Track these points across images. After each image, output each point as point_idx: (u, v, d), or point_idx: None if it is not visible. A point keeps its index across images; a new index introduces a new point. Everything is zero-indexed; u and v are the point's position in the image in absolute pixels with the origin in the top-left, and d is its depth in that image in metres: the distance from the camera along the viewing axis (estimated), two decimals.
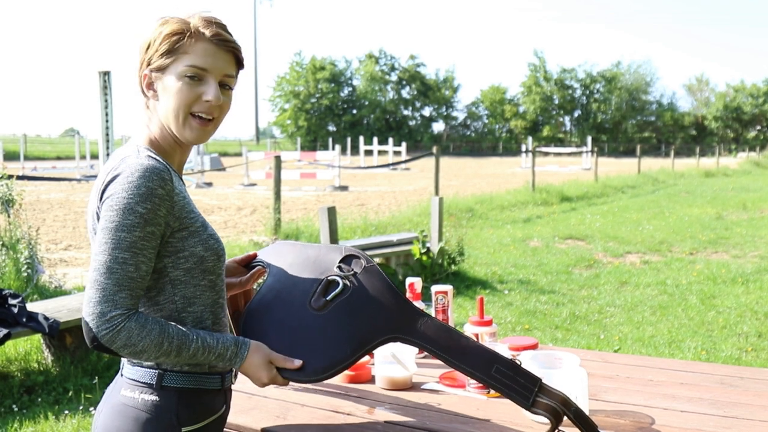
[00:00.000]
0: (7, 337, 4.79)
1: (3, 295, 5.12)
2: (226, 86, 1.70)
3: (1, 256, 6.78)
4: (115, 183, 1.57)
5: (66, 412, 4.59)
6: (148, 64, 1.67)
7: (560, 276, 9.06)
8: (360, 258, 1.84)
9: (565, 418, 1.71)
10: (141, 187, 1.55)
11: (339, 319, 1.77)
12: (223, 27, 1.70)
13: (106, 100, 6.76)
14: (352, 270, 1.82)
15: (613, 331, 6.58)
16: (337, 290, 1.79)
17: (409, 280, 2.40)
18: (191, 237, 1.64)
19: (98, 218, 1.61)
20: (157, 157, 1.64)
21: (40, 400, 4.83)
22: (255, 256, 2.01)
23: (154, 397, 1.63)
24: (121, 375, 1.69)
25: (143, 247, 1.56)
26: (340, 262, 1.84)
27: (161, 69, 1.66)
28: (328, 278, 1.81)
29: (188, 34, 1.65)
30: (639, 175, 27.26)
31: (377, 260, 8.40)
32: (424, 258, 8.39)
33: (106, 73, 6.73)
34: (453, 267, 8.74)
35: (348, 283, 1.80)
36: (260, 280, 1.98)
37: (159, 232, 1.59)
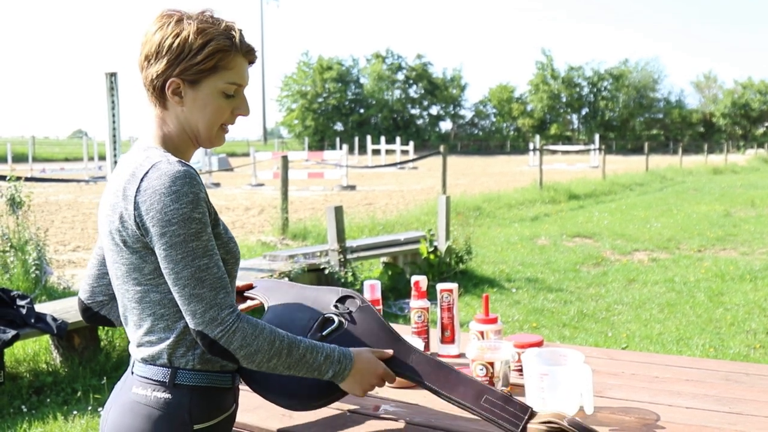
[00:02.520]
0: (15, 338, 4.82)
1: (11, 296, 5.15)
2: None
3: (10, 258, 6.81)
4: (156, 194, 1.55)
5: (75, 412, 4.62)
6: (181, 72, 1.62)
7: (568, 274, 9.06)
8: (355, 298, 1.93)
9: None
10: (189, 194, 1.56)
11: None
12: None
13: (113, 102, 6.77)
14: (348, 309, 1.90)
15: (621, 329, 6.57)
16: (333, 326, 1.86)
17: (414, 278, 2.40)
18: (214, 240, 1.65)
19: (132, 224, 1.58)
20: (186, 162, 1.64)
21: (48, 400, 4.86)
22: (251, 286, 2.06)
23: (166, 395, 1.63)
24: (132, 373, 1.69)
25: (213, 247, 1.60)
26: (336, 301, 1.92)
27: (197, 81, 1.64)
28: (325, 316, 1.88)
29: (233, 50, 1.64)
30: (647, 173, 27.21)
31: (385, 259, 8.42)
32: (432, 257, 8.40)
33: (113, 75, 6.75)
34: (460, 266, 8.74)
35: (343, 321, 1.87)
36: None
37: (212, 231, 1.63)
